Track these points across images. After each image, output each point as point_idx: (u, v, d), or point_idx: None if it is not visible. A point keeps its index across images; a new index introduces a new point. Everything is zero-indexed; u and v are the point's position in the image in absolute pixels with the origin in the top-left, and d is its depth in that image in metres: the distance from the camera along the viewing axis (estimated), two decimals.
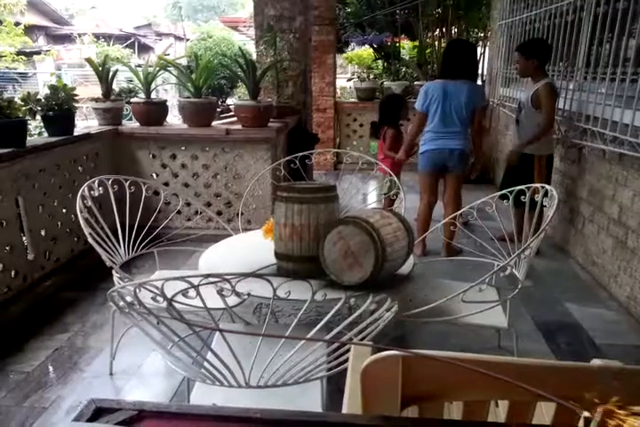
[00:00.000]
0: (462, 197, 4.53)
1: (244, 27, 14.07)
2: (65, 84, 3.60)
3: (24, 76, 14.76)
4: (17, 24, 13.32)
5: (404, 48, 9.44)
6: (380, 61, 9.38)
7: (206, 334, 2.13)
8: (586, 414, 0.70)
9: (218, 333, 1.45)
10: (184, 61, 6.75)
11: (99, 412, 0.82)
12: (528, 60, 3.72)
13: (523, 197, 2.36)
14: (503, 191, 2.55)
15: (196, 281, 1.29)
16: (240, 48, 5.62)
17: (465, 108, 3.60)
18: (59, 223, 3.47)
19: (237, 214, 3.73)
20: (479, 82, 7.83)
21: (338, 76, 8.40)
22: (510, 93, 5.70)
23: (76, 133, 3.66)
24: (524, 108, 3.82)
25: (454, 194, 3.83)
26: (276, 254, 2.06)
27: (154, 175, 4.27)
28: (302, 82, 4.83)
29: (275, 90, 4.68)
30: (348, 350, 1.29)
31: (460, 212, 3.60)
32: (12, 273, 3.00)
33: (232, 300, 1.36)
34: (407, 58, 9.10)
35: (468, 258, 2.81)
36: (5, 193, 2.95)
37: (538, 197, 2.35)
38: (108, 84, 4.16)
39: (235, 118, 4.35)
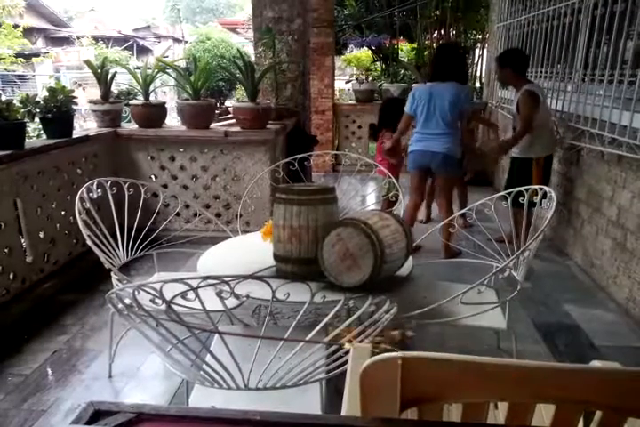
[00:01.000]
0: (467, 200, 4.55)
1: (243, 29, 14.08)
2: (63, 87, 3.60)
3: (23, 78, 14.77)
4: (16, 26, 13.32)
5: (402, 50, 9.44)
6: (378, 63, 9.38)
7: (205, 337, 2.12)
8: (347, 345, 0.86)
9: (217, 335, 1.45)
10: (183, 63, 6.77)
11: (97, 414, 0.82)
12: (503, 69, 3.81)
13: (521, 198, 2.37)
14: (502, 193, 2.56)
15: (194, 283, 1.29)
16: (239, 50, 5.62)
17: (450, 110, 3.60)
18: (57, 225, 3.47)
19: (236, 216, 3.73)
20: (477, 84, 7.87)
21: (336, 77, 8.40)
22: (508, 95, 5.70)
23: (74, 135, 3.66)
24: (515, 117, 3.89)
25: (444, 196, 3.86)
26: (275, 256, 2.06)
27: (152, 177, 4.27)
28: (301, 84, 4.83)
29: (273, 92, 4.68)
30: (347, 352, 1.29)
31: (459, 213, 3.62)
32: (11, 275, 3.00)
33: (231, 302, 1.36)
34: (405, 60, 9.11)
35: (467, 260, 2.81)
36: (4, 195, 2.95)
37: (536, 199, 2.36)
38: (106, 87, 4.16)
39: (233, 120, 4.35)
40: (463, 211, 3.44)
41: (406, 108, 3.82)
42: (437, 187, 3.89)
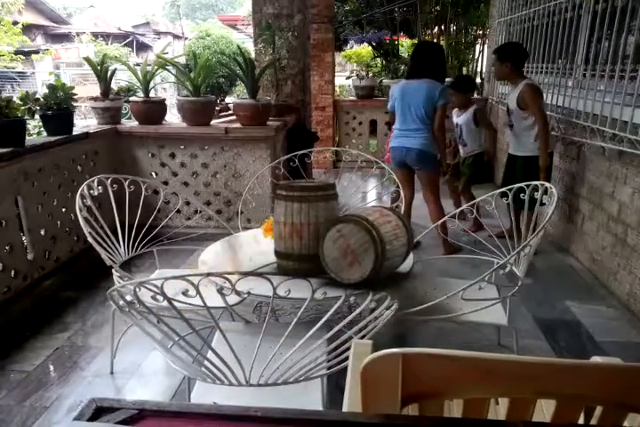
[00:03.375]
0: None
1: (243, 25, 14.05)
2: (63, 84, 3.59)
3: (22, 75, 14.75)
4: (15, 23, 13.29)
5: (402, 46, 9.43)
6: (378, 59, 9.37)
7: (206, 333, 2.13)
8: None
9: (218, 331, 1.45)
10: (182, 60, 6.75)
11: (99, 411, 0.82)
12: (502, 63, 3.79)
13: (522, 194, 2.37)
14: (503, 189, 2.55)
15: (196, 280, 1.29)
16: (238, 46, 5.60)
17: (423, 106, 3.63)
18: (58, 223, 3.47)
19: (237, 213, 3.73)
20: (478, 80, 7.85)
21: (337, 74, 8.38)
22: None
23: (74, 133, 3.66)
24: (513, 112, 3.84)
25: (427, 192, 3.88)
26: (276, 253, 2.06)
27: (153, 174, 4.27)
28: (301, 80, 4.82)
29: (273, 88, 4.67)
30: (349, 349, 1.29)
31: (460, 209, 3.61)
32: (12, 273, 3.00)
33: (232, 298, 1.36)
34: (406, 56, 9.09)
35: (468, 256, 2.81)
36: (5, 193, 2.95)
37: (537, 195, 2.36)
38: (106, 83, 4.16)
39: (234, 117, 4.35)
40: (464, 207, 3.42)
41: (388, 106, 3.91)
42: (421, 184, 3.90)
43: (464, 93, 4.41)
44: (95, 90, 4.36)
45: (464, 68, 8.11)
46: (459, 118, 4.53)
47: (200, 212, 4.03)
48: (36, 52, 15.83)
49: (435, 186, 3.88)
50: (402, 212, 3.15)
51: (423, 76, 3.66)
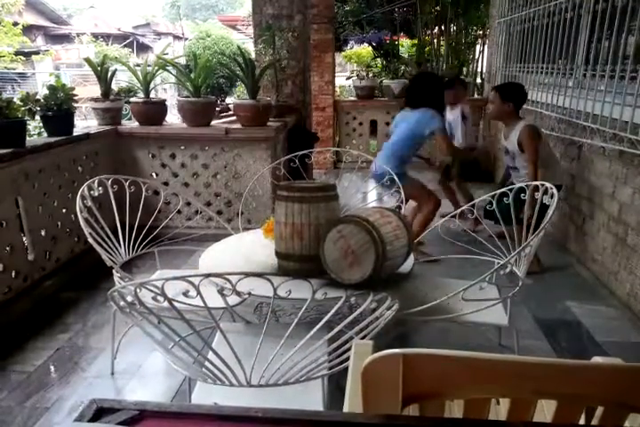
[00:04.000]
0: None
1: (243, 25, 14.05)
2: (64, 84, 3.60)
3: (23, 76, 14.77)
4: (15, 24, 13.31)
5: (402, 46, 9.43)
6: (378, 60, 9.38)
7: (207, 334, 2.13)
8: None
9: (219, 332, 1.45)
10: (183, 61, 6.76)
11: (100, 412, 0.83)
12: (505, 103, 3.65)
13: (523, 194, 2.37)
14: (503, 189, 2.55)
15: (196, 281, 1.29)
16: (239, 47, 5.59)
17: (410, 134, 3.76)
18: (59, 223, 3.47)
19: (237, 214, 3.73)
20: (478, 80, 7.86)
21: (337, 74, 8.39)
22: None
23: (75, 133, 3.66)
24: (515, 155, 3.70)
25: (419, 205, 3.97)
26: (277, 254, 2.06)
27: (153, 175, 4.27)
28: (301, 81, 4.82)
29: (274, 89, 4.68)
30: (349, 349, 1.30)
31: (460, 209, 3.61)
32: (13, 273, 3.00)
33: (233, 299, 1.36)
34: (406, 56, 9.10)
35: (469, 256, 2.81)
36: (5, 193, 2.95)
37: (537, 195, 2.36)
38: (106, 84, 4.16)
39: (234, 117, 4.35)
40: (464, 207, 3.41)
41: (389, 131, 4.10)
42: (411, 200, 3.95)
43: (453, 90, 4.57)
44: (95, 91, 4.37)
45: (464, 69, 8.11)
46: (449, 113, 4.68)
47: (200, 212, 4.03)
48: (37, 52, 15.84)
49: (420, 196, 3.87)
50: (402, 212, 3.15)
51: (418, 106, 3.79)
